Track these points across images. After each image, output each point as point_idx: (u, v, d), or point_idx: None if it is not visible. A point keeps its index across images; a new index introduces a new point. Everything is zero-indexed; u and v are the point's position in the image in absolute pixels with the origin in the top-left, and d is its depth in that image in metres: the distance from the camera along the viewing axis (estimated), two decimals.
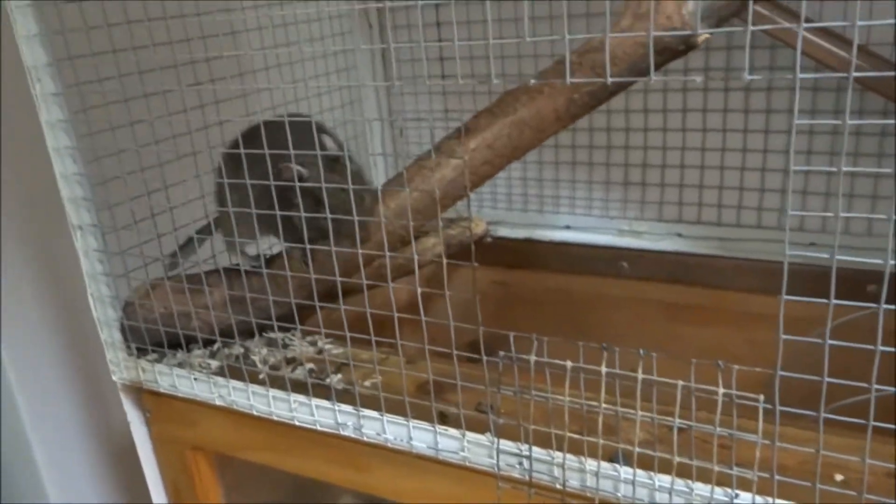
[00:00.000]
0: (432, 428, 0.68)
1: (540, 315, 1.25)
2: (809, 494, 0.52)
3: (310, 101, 1.12)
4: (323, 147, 0.72)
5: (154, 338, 0.84)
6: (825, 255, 0.46)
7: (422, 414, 0.68)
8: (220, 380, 0.79)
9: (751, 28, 0.42)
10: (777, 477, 0.52)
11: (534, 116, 0.74)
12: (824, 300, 0.46)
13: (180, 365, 0.83)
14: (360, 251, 0.68)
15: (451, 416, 0.68)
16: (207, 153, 0.81)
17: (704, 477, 0.56)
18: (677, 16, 0.64)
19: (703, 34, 0.63)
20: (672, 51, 0.66)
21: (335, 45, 1.24)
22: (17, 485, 1.14)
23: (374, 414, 0.71)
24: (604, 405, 0.57)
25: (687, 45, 0.66)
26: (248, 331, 0.84)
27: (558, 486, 0.62)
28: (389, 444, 0.71)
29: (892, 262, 0.44)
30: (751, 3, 0.43)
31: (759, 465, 0.52)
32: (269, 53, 1.03)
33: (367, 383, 0.76)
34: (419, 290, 0.63)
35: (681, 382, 0.53)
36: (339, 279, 0.68)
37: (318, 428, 0.74)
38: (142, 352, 0.85)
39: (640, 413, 0.56)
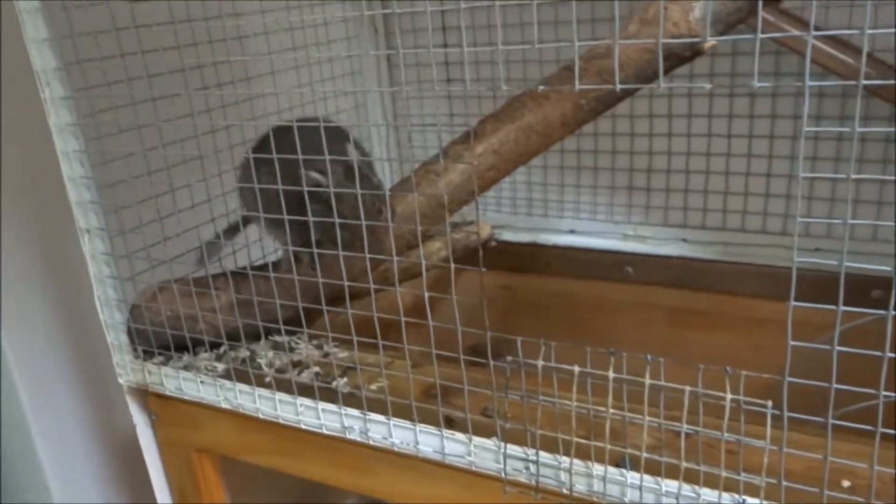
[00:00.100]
0: (439, 432, 0.68)
1: (544, 319, 1.25)
2: (817, 500, 0.52)
3: (316, 105, 1.12)
4: (345, 156, 0.72)
5: (160, 340, 0.84)
6: (833, 262, 0.46)
7: (428, 418, 0.69)
8: (227, 383, 0.80)
9: (760, 36, 0.42)
10: (784, 482, 0.52)
11: (540, 122, 0.74)
12: (833, 306, 0.46)
13: (186, 368, 0.83)
14: (367, 255, 0.69)
15: (458, 421, 0.68)
16: (214, 157, 0.81)
17: (712, 482, 0.56)
18: (684, 22, 0.65)
19: (711, 41, 0.63)
20: (678, 57, 0.66)
21: (341, 50, 1.24)
22: (22, 486, 1.14)
23: (381, 418, 0.71)
24: (611, 410, 0.57)
25: (693, 52, 0.66)
26: (255, 334, 0.84)
27: (565, 491, 0.62)
28: (396, 448, 0.71)
29: None
30: (760, 10, 0.43)
31: (766, 470, 0.52)
32: (275, 57, 1.04)
33: (373, 387, 0.76)
34: (426, 295, 0.63)
35: (688, 388, 0.53)
36: (346, 283, 0.68)
37: (325, 431, 0.74)
38: (148, 354, 0.86)
39: (647, 418, 0.56)
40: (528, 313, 1.26)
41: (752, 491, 0.54)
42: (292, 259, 0.80)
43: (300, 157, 0.68)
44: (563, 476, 0.62)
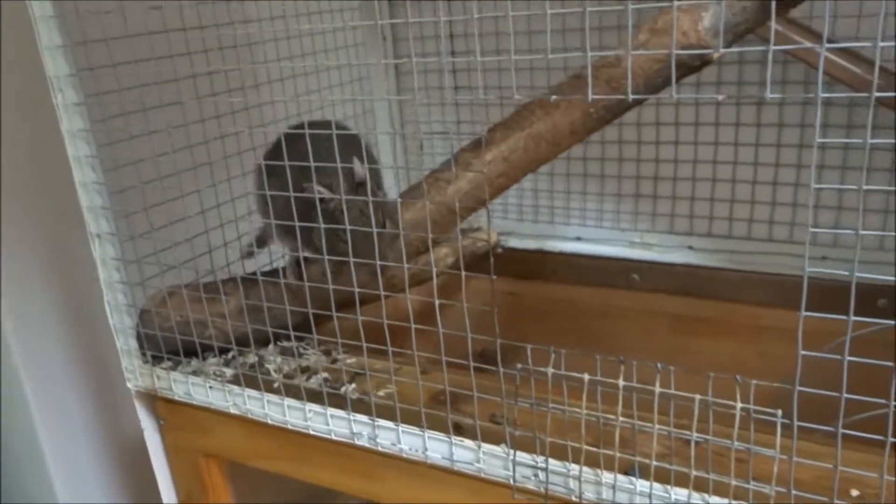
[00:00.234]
0: (447, 439, 0.68)
1: (549, 326, 1.25)
2: None
3: (324, 111, 1.12)
4: (352, 169, 0.72)
5: (169, 345, 0.84)
6: (845, 273, 0.46)
7: (437, 424, 0.69)
8: (235, 388, 0.80)
9: (773, 48, 0.42)
10: (794, 491, 0.52)
11: (550, 130, 0.75)
12: (843, 316, 0.46)
13: (195, 373, 0.83)
14: (378, 262, 0.69)
15: (467, 427, 0.68)
16: (224, 163, 0.82)
17: (721, 491, 0.56)
18: (693, 32, 0.65)
19: (720, 52, 0.64)
20: (687, 66, 0.67)
21: (349, 57, 1.25)
22: (29, 490, 1.14)
23: (390, 424, 0.71)
24: (620, 418, 0.57)
25: (702, 61, 0.66)
26: (264, 339, 0.85)
27: (574, 499, 0.62)
28: (404, 455, 0.71)
29: None
30: (773, 22, 0.44)
31: (776, 479, 0.53)
32: (284, 65, 1.04)
33: (381, 393, 0.76)
34: (437, 302, 0.64)
35: (698, 396, 0.53)
36: (357, 290, 0.69)
37: (333, 437, 0.75)
38: (157, 359, 0.86)
39: (656, 426, 0.56)
40: (534, 320, 1.26)
41: (762, 500, 0.54)
42: (303, 265, 0.80)
43: (307, 163, 0.68)
44: (573, 483, 0.62)
